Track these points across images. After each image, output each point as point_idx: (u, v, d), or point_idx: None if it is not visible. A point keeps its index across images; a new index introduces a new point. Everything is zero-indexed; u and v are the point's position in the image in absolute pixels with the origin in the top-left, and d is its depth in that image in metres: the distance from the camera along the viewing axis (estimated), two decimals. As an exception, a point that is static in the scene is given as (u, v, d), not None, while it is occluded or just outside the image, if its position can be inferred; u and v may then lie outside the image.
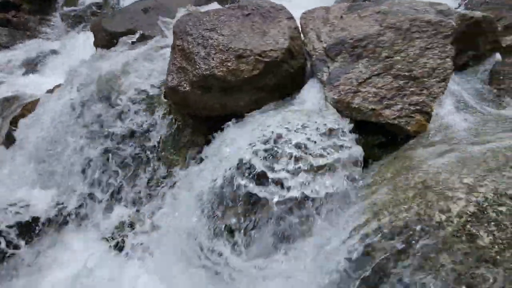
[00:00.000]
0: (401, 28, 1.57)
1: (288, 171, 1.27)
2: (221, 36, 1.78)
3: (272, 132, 1.40)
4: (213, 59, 1.71)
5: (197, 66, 1.73)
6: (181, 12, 2.26)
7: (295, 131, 1.38)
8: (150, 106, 2.03)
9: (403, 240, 1.02)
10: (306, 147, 1.31)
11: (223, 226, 1.45)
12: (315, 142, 1.34)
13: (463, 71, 1.74)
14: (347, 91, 1.60)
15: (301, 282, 1.21)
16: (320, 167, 1.26)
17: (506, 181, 0.96)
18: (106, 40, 2.93)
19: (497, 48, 1.78)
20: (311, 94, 1.74)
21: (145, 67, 2.08)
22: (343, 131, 1.42)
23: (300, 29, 1.95)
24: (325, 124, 1.41)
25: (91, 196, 2.03)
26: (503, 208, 0.92)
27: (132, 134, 2.05)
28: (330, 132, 1.39)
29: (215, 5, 4.06)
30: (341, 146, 1.33)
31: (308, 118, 1.50)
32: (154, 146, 1.98)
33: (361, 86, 1.60)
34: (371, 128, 1.63)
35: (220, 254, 1.40)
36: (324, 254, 1.18)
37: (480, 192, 0.96)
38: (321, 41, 1.78)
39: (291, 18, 1.83)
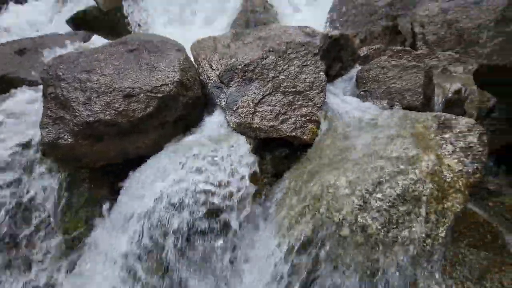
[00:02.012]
0: (280, 50, 1.75)
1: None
2: (102, 76, 1.61)
3: (174, 179, 1.31)
4: (96, 103, 1.52)
5: (77, 114, 1.50)
6: (50, 55, 1.96)
7: (199, 170, 1.34)
8: (26, 170, 1.65)
9: (315, 246, 1.07)
10: (212, 184, 1.28)
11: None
12: (219, 181, 1.31)
13: (336, 80, 2.05)
14: (246, 113, 1.67)
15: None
16: (226, 206, 1.25)
17: (379, 173, 1.13)
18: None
19: (357, 58, 2.17)
20: (214, 121, 1.74)
21: (10, 125, 1.69)
22: (244, 156, 1.44)
23: (193, 59, 1.96)
24: (229, 155, 1.40)
25: None
26: (379, 195, 1.07)
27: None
28: (232, 162, 1.40)
29: (101, 40, 3.76)
30: (242, 178, 1.35)
31: (213, 148, 1.47)
32: (41, 218, 1.61)
33: (257, 106, 1.69)
34: (276, 143, 1.73)
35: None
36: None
37: (362, 187, 1.10)
38: (214, 69, 1.82)
39: (180, 50, 1.81)
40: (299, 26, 1.92)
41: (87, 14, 4.53)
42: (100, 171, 1.76)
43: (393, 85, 1.83)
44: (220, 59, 1.82)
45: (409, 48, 2.47)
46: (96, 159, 1.65)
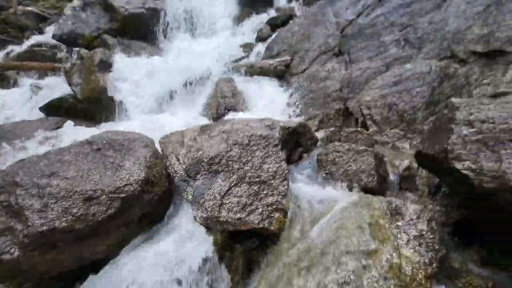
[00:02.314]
0: (243, 143, 1.89)
1: None
2: (64, 180, 1.59)
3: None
4: (52, 210, 1.46)
5: (29, 223, 1.41)
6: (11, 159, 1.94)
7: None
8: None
9: None
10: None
11: None
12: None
13: (299, 164, 2.19)
14: (213, 206, 1.67)
15: None
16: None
17: (344, 272, 1.13)
18: None
19: (316, 141, 2.39)
20: (180, 216, 1.70)
21: None
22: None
23: (162, 153, 2.03)
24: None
25: None
26: None
27: None
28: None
29: (73, 128, 3.83)
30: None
31: (176, 250, 1.40)
32: None
33: (224, 198, 1.71)
34: (245, 234, 1.69)
35: None
36: None
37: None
38: (181, 163, 1.88)
39: (147, 146, 1.89)
40: (260, 119, 2.14)
41: (63, 102, 4.72)
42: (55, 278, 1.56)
43: (349, 167, 1.99)
44: (187, 153, 1.90)
45: (360, 129, 2.80)
46: (47, 270, 1.48)
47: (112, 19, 6.39)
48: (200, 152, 1.87)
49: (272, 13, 6.72)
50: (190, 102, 4.61)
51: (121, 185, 1.60)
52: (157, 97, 4.73)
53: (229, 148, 1.86)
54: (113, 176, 1.65)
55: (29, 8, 8.70)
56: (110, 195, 1.56)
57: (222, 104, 4.07)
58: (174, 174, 1.84)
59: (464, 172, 1.23)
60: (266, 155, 1.85)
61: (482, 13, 3.31)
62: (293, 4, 6.88)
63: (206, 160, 1.83)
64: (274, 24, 6.30)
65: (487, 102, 1.34)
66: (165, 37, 6.43)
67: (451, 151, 1.31)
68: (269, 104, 4.22)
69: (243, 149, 1.87)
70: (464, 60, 3.19)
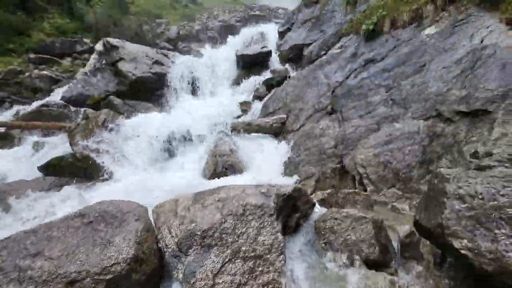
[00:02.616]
0: (237, 213, 1.86)
1: None
2: (48, 260, 1.51)
3: None
4: (30, 298, 1.35)
5: (2, 316, 1.29)
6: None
7: None
8: None
9: None
10: None
11: None
12: None
13: (297, 231, 2.12)
14: (204, 287, 1.55)
15: None
16: None
17: None
18: None
19: (313, 205, 2.35)
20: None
21: None
22: None
23: (153, 223, 1.98)
24: None
25: None
26: None
27: None
28: None
29: (71, 191, 3.81)
30: None
31: None
32: None
33: (217, 277, 1.60)
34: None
35: None
36: None
37: None
38: (173, 236, 1.82)
39: (139, 219, 1.85)
40: (255, 186, 2.14)
41: (62, 161, 4.77)
42: None
43: (348, 236, 1.92)
44: (179, 224, 1.85)
45: (358, 189, 2.79)
46: None
47: (120, 83, 6.92)
48: (193, 224, 1.82)
49: (267, 74, 7.32)
50: (188, 160, 4.68)
51: (108, 265, 1.52)
52: (156, 154, 4.83)
53: (223, 220, 1.82)
54: (101, 254, 1.57)
55: (45, 72, 9.50)
56: (96, 277, 1.47)
57: (220, 163, 4.13)
58: (165, 249, 1.76)
59: (463, 252, 1.18)
60: (261, 226, 1.80)
61: (458, 77, 3.61)
62: (287, 66, 7.56)
63: (199, 233, 1.77)
64: (270, 84, 6.81)
65: (473, 176, 1.36)
66: (169, 98, 6.89)
67: (447, 227, 1.28)
68: (267, 161, 4.28)
69: (237, 220, 1.82)
70: (450, 119, 3.36)
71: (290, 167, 3.99)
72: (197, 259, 1.67)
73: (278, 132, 5.02)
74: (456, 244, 1.22)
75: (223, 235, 1.76)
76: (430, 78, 3.85)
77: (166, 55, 7.74)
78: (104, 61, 7.40)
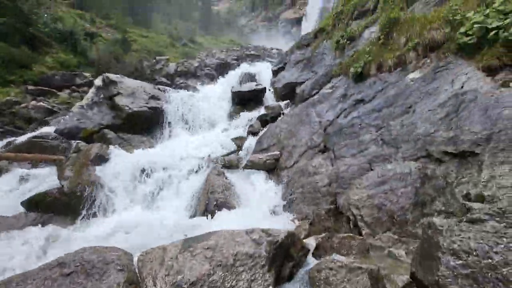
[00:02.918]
0: (227, 264, 1.77)
1: None
2: (16, 322, 1.37)
3: None
4: None
5: None
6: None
7: None
8: None
9: None
10: None
11: None
12: None
13: (291, 281, 2.00)
14: None
15: None
16: None
17: None
18: None
19: (307, 252, 2.26)
20: None
21: None
22: None
23: (138, 273, 1.86)
24: None
25: None
26: None
27: None
28: None
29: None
30: None
31: None
32: None
33: None
34: None
35: None
36: None
37: None
38: (157, 289, 1.69)
39: (122, 269, 1.74)
40: (246, 231, 2.07)
41: (46, 196, 4.58)
42: None
43: (344, 289, 1.82)
44: (165, 275, 1.74)
45: (352, 234, 2.72)
46: None
47: (116, 117, 6.99)
48: (180, 276, 1.71)
49: (262, 110, 7.54)
50: (179, 196, 4.56)
51: (82, 328, 1.38)
52: (147, 191, 4.70)
53: (211, 271, 1.72)
54: (76, 314, 1.44)
55: (42, 104, 9.59)
56: None
57: (212, 200, 4.03)
58: (149, 305, 1.63)
59: (465, 316, 1.12)
60: (252, 279, 1.70)
61: (444, 119, 3.77)
62: (281, 103, 7.83)
63: (186, 286, 1.65)
64: (264, 120, 6.98)
65: (465, 229, 1.35)
66: (164, 132, 6.94)
67: (444, 286, 1.23)
68: (261, 199, 4.20)
69: (227, 271, 1.72)
70: (440, 160, 3.43)
71: (283, 205, 3.91)
72: (182, 317, 1.54)
73: (271, 168, 5.01)
74: (456, 306, 1.16)
75: (212, 289, 1.65)
76: (418, 120, 4.01)
77: (163, 90, 7.97)
78: (102, 95, 7.56)
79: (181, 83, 11.88)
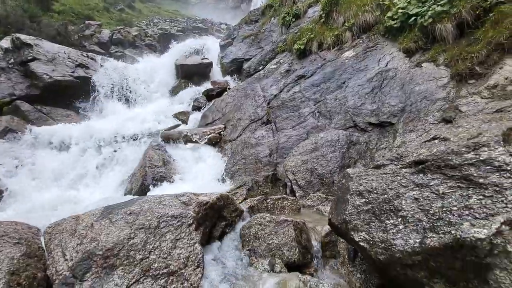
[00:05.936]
0: (150, 226, 1.67)
1: None
2: None
3: None
4: None
5: None
6: None
7: None
8: None
9: None
10: None
11: None
12: None
13: (222, 240, 2.02)
14: (102, 316, 1.31)
15: None
16: None
17: None
18: None
19: (241, 213, 2.30)
20: None
21: None
22: None
23: (44, 247, 1.63)
24: None
25: None
26: None
27: None
28: None
29: None
30: None
31: None
32: None
33: (119, 302, 1.37)
34: None
35: None
36: None
37: None
38: (67, 260, 1.51)
39: (18, 242, 1.49)
40: (176, 195, 1.98)
41: None
42: None
43: (271, 241, 1.91)
44: (77, 245, 1.56)
45: (285, 195, 2.87)
46: None
47: (32, 86, 5.92)
48: (95, 243, 1.56)
49: (208, 85, 7.25)
50: (114, 174, 4.17)
51: (-43, 308, 1.15)
52: (72, 166, 4.17)
53: (132, 235, 1.61)
54: (-50, 294, 1.19)
55: None
56: None
57: (150, 174, 3.78)
58: (55, 277, 1.45)
59: (362, 244, 1.26)
60: (177, 238, 1.65)
61: (369, 94, 4.15)
62: (228, 78, 7.63)
63: (100, 253, 1.51)
64: (210, 95, 6.74)
65: (371, 173, 1.51)
66: (94, 105, 6.14)
67: (350, 222, 1.36)
68: (204, 172, 4.11)
69: (150, 234, 1.63)
70: (364, 129, 3.80)
71: (226, 176, 3.91)
72: (96, 284, 1.41)
73: (216, 142, 4.92)
74: (356, 237, 1.30)
75: (131, 253, 1.54)
76: (349, 94, 4.34)
77: (93, 59, 6.99)
78: (12, 60, 6.26)
79: (117, 51, 10.57)
